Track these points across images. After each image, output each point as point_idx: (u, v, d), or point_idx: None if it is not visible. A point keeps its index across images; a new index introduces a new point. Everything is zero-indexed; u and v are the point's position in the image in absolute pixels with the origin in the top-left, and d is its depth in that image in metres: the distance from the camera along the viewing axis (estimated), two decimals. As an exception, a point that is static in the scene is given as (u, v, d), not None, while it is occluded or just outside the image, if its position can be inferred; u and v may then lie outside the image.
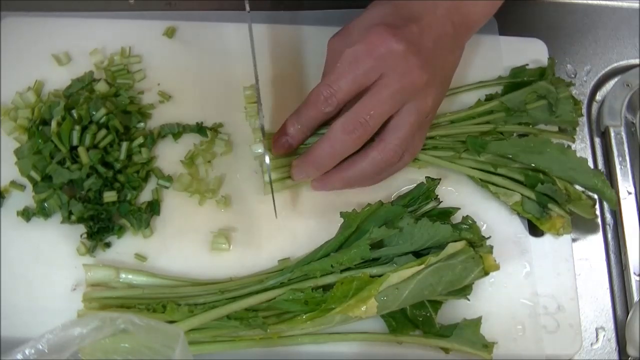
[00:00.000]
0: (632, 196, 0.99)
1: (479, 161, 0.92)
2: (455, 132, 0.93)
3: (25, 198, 0.87)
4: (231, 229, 0.89)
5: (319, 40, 0.94)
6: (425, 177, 0.89)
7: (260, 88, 0.83)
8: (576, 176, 0.90)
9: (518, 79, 0.99)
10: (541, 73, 0.98)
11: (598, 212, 0.98)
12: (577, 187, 0.93)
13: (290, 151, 0.86)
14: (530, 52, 1.03)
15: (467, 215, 0.86)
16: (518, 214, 0.93)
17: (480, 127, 0.94)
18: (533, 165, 0.91)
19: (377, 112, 0.79)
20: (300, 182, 0.87)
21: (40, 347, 0.63)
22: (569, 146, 0.93)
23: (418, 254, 0.82)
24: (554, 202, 0.90)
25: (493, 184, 0.92)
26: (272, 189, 0.84)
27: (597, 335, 0.93)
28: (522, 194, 0.91)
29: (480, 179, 0.92)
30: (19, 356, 0.63)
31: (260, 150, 0.86)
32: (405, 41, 0.78)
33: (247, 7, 0.84)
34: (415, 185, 0.89)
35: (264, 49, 0.99)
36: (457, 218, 0.88)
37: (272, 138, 0.86)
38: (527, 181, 0.91)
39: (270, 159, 0.84)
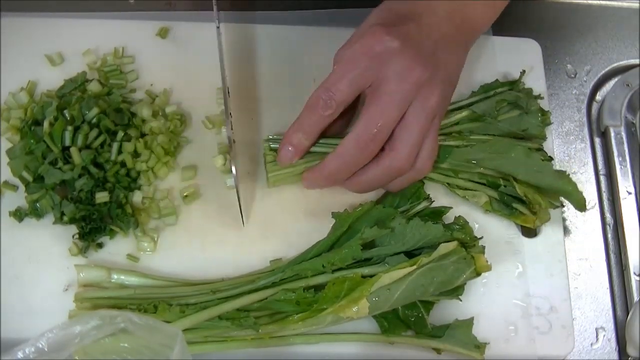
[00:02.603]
0: (632, 196, 0.99)
1: (440, 168, 0.90)
2: None
3: (17, 198, 0.87)
4: (223, 227, 0.89)
5: (318, 40, 0.95)
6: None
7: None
8: (542, 179, 0.88)
9: (490, 92, 0.95)
10: (511, 85, 0.96)
11: (598, 212, 0.99)
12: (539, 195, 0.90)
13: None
14: (524, 52, 1.03)
15: (459, 216, 0.86)
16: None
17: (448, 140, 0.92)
18: (498, 169, 0.89)
19: (385, 122, 0.78)
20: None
21: (40, 345, 0.64)
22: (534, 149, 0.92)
23: (410, 254, 0.82)
24: (517, 200, 0.89)
25: (458, 187, 0.91)
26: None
27: (597, 335, 0.92)
28: (487, 194, 0.91)
29: (447, 183, 0.92)
30: (20, 355, 0.63)
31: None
32: (401, 38, 0.77)
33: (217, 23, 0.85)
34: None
35: (262, 49, 0.99)
36: (449, 218, 0.88)
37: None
38: (489, 184, 0.90)
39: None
